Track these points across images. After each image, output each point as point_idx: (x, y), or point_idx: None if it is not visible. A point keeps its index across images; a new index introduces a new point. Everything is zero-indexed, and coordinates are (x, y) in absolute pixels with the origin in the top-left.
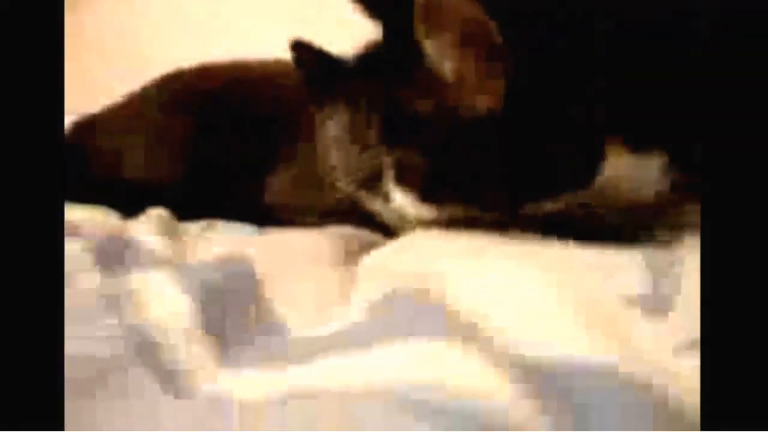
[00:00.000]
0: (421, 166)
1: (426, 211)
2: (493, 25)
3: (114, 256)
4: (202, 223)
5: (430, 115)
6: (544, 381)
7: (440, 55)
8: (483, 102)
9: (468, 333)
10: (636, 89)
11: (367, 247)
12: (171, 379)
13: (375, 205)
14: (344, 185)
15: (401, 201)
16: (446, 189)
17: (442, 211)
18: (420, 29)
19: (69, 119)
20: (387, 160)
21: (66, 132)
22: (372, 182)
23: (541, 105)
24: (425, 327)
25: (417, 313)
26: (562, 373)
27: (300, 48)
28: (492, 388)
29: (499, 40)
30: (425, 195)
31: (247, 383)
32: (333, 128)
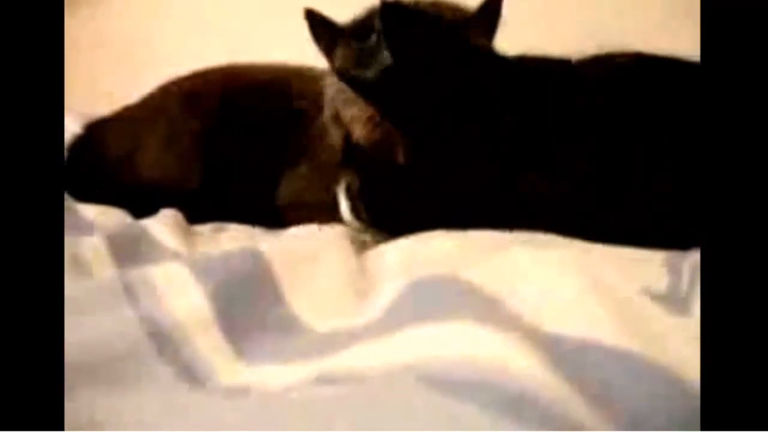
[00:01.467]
0: (354, 189)
1: (354, 223)
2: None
3: (129, 250)
4: (211, 225)
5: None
6: (571, 360)
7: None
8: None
9: (495, 313)
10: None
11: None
12: (186, 371)
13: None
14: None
15: (342, 208)
16: (368, 213)
17: (366, 225)
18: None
19: (72, 120)
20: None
21: (81, 132)
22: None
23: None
24: (451, 309)
25: (442, 297)
26: (586, 353)
27: (311, 15)
28: (521, 365)
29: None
30: (353, 211)
31: (266, 375)
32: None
